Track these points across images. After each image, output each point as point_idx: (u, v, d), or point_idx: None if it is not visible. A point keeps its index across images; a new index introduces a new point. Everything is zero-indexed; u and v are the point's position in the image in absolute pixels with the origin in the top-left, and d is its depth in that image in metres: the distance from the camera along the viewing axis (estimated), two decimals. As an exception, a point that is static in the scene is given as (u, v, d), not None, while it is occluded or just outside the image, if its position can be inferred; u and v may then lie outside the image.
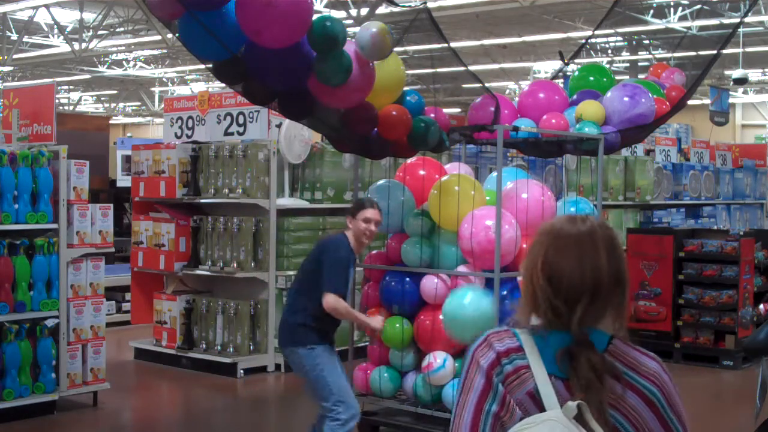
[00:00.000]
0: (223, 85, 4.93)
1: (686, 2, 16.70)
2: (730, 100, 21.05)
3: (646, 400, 1.86)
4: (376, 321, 5.31)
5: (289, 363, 5.18)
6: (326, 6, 15.74)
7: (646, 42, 19.95)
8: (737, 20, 14.03)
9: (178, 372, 8.54)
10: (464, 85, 24.37)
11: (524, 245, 5.74)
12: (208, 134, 8.93)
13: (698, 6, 16.59)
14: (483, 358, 1.89)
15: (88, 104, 35.15)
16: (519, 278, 5.60)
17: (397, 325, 5.88)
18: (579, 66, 7.97)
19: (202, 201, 8.65)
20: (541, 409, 1.80)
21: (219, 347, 8.40)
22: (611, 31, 17.50)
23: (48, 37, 20.78)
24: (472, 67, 7.46)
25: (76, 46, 18.86)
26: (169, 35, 16.09)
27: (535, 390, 1.83)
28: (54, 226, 6.74)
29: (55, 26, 18.86)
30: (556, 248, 1.89)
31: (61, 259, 6.77)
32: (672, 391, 1.91)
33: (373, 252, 6.33)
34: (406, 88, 5.39)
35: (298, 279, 5.17)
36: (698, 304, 9.04)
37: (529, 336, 1.90)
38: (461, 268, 5.71)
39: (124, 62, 24.57)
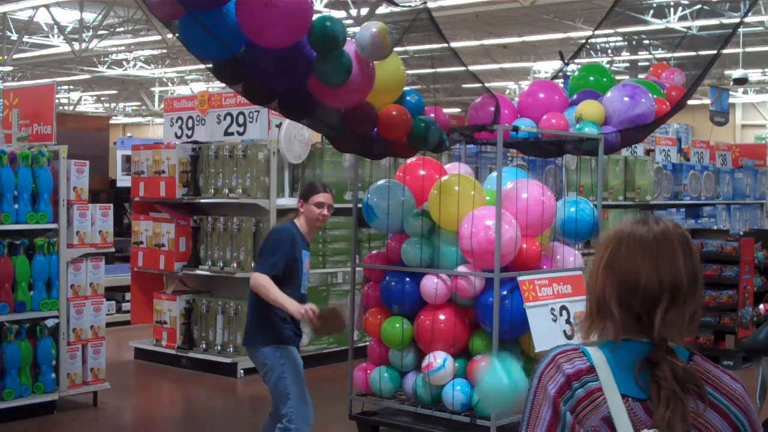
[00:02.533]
0: (223, 85, 4.93)
1: (686, 2, 16.70)
2: (730, 100, 21.04)
3: (731, 424, 1.75)
4: (296, 306, 4.61)
5: (254, 363, 4.97)
6: (326, 6, 15.74)
7: (646, 42, 19.94)
8: (737, 20, 14.03)
9: (178, 372, 8.54)
10: (464, 85, 24.38)
11: (524, 245, 5.74)
12: (208, 134, 8.93)
13: (698, 6, 16.59)
14: (551, 383, 1.76)
15: (88, 104, 35.15)
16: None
17: (397, 325, 5.88)
18: (579, 66, 7.97)
19: (202, 201, 8.65)
20: None
21: (219, 347, 8.40)
22: (611, 31, 17.50)
23: (48, 37, 20.78)
24: (472, 67, 7.46)
25: (76, 46, 18.87)
26: (169, 35, 16.09)
27: (611, 415, 1.70)
28: (54, 226, 6.74)
29: (55, 26, 18.86)
30: (630, 250, 1.79)
31: (61, 259, 6.77)
32: (753, 413, 1.78)
33: (373, 252, 6.33)
34: (406, 88, 5.39)
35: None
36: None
37: (600, 353, 1.77)
38: (461, 268, 5.71)
39: (124, 62, 24.58)
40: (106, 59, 23.90)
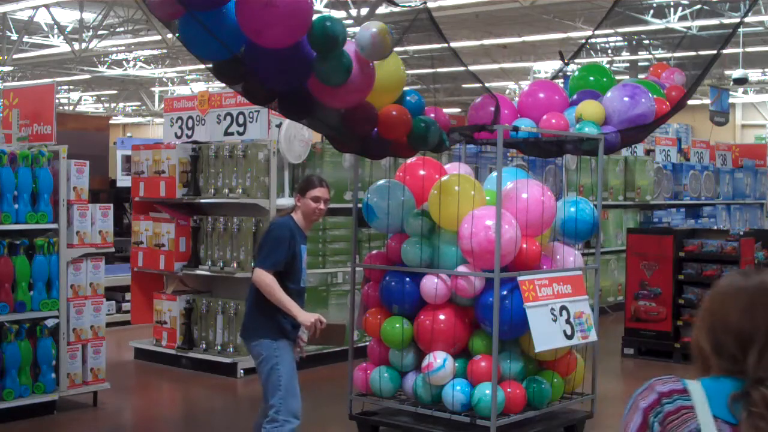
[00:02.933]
0: (223, 85, 4.93)
1: (686, 2, 16.71)
2: (730, 100, 21.05)
3: None
4: (306, 316, 4.73)
5: (250, 354, 4.99)
6: (326, 6, 15.74)
7: (646, 42, 19.95)
8: (737, 20, 14.03)
9: (178, 372, 8.54)
10: (464, 85, 24.39)
11: (524, 245, 5.74)
12: (208, 134, 8.93)
13: (698, 6, 16.60)
14: (643, 401, 1.87)
15: (88, 104, 35.17)
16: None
17: (397, 325, 5.88)
18: (579, 66, 7.97)
19: (202, 201, 8.65)
20: None
21: (219, 347, 8.40)
22: (611, 31, 17.51)
23: (48, 37, 20.80)
24: (472, 67, 7.46)
25: (76, 46, 18.88)
26: (169, 35, 16.09)
27: (698, 429, 1.78)
28: (54, 226, 6.74)
29: (55, 26, 18.87)
30: (726, 298, 1.90)
31: (61, 259, 6.77)
32: None
33: (373, 252, 6.33)
34: (406, 88, 5.39)
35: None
36: (698, 304, 9.00)
37: (697, 383, 1.86)
38: (461, 268, 5.72)
39: (124, 62, 24.59)
40: (106, 59, 23.91)
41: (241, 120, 8.63)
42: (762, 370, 1.81)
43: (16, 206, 6.51)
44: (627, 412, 1.90)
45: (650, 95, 6.64)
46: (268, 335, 4.77)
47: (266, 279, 4.69)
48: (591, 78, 7.03)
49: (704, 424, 1.78)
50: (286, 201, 8.59)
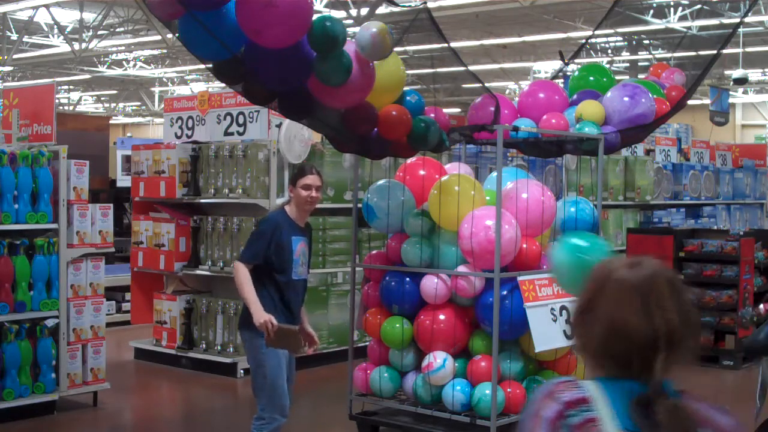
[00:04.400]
0: (223, 85, 4.93)
1: (686, 2, 16.71)
2: (730, 100, 21.05)
3: None
4: (260, 315, 4.58)
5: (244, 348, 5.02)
6: (326, 6, 15.74)
7: (646, 42, 19.95)
8: (737, 20, 14.04)
9: (178, 372, 8.54)
10: (464, 85, 24.39)
11: (524, 245, 5.74)
12: (208, 134, 8.93)
13: (698, 6, 16.59)
14: (546, 411, 1.77)
15: (88, 104, 35.17)
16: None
17: (397, 325, 5.88)
18: (579, 66, 7.97)
19: (202, 201, 8.65)
20: None
21: (219, 347, 8.40)
22: (611, 31, 17.51)
23: (48, 37, 20.79)
24: (472, 67, 7.46)
25: (76, 46, 18.88)
26: (169, 35, 16.09)
27: None
28: (54, 226, 6.74)
29: (55, 26, 18.87)
30: (617, 297, 1.76)
31: (61, 259, 6.77)
32: None
33: (373, 252, 6.33)
34: (406, 88, 5.39)
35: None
36: (698, 304, 9.04)
37: (596, 386, 1.78)
38: (461, 268, 5.71)
39: (124, 62, 24.58)
40: (106, 59, 23.90)
41: (241, 120, 8.63)
42: (658, 374, 1.75)
43: (16, 206, 6.51)
44: (528, 418, 1.79)
45: (650, 95, 6.64)
46: (249, 327, 4.71)
47: (239, 272, 4.69)
48: (591, 78, 7.03)
49: None
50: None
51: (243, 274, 4.69)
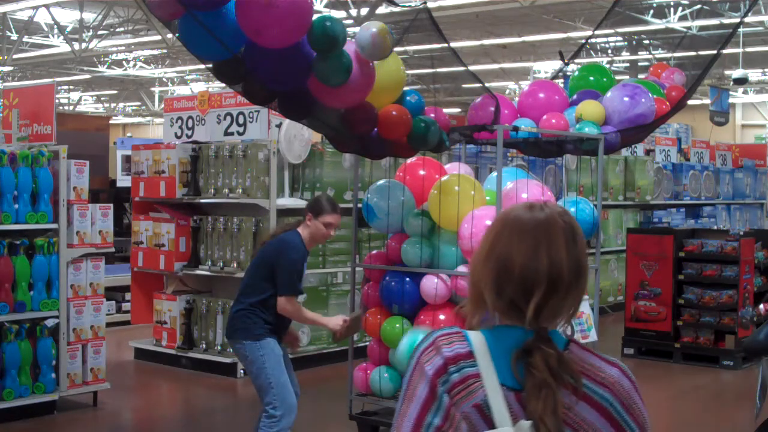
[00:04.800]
0: (223, 85, 4.93)
1: (686, 2, 16.71)
2: (730, 100, 21.07)
3: (601, 410, 1.69)
4: (334, 322, 5.18)
5: (237, 357, 5.22)
6: (326, 6, 15.75)
7: (646, 42, 19.95)
8: (737, 20, 14.04)
9: (178, 372, 8.54)
10: (464, 85, 24.38)
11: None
12: (208, 134, 8.93)
13: (698, 6, 16.60)
14: (428, 364, 1.71)
15: (88, 104, 35.18)
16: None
17: (397, 325, 5.88)
18: (579, 66, 7.97)
19: (202, 201, 8.66)
20: (490, 424, 1.65)
21: (219, 347, 8.40)
22: (611, 31, 17.52)
23: (48, 37, 20.80)
24: (472, 67, 7.46)
25: (76, 46, 18.88)
26: (169, 35, 16.09)
27: (484, 403, 1.66)
28: (54, 226, 6.74)
29: (55, 26, 18.87)
30: (511, 236, 1.73)
31: (61, 259, 6.77)
32: (633, 397, 1.73)
33: (373, 252, 6.33)
34: (406, 88, 5.39)
35: (252, 272, 5.09)
36: (698, 304, 9.04)
37: (481, 338, 1.73)
38: (461, 268, 5.71)
39: (124, 62, 24.59)
40: (106, 59, 23.91)
41: (241, 120, 8.63)
42: (542, 320, 1.69)
43: (16, 206, 6.51)
44: (410, 369, 1.75)
45: (650, 95, 6.64)
46: (250, 336, 4.89)
47: (293, 307, 4.97)
48: (591, 78, 7.03)
49: (492, 396, 1.66)
50: (287, 201, 8.59)
51: (297, 305, 5.03)
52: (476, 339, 1.73)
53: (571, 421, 1.66)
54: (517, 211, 1.77)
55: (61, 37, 19.49)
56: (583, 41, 9.86)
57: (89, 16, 18.98)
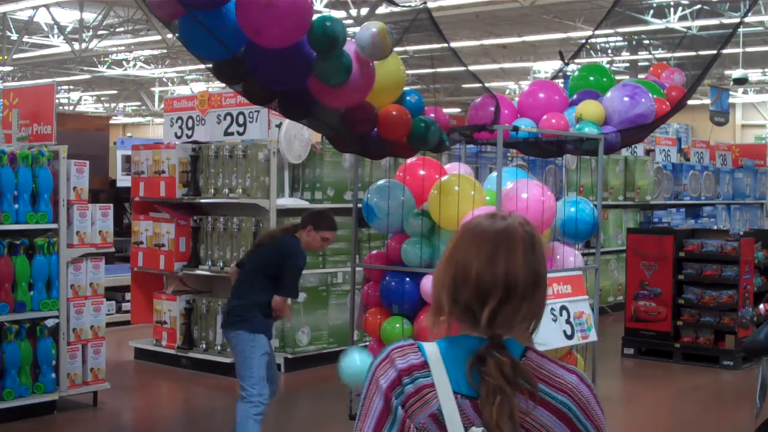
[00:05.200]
0: (223, 85, 4.93)
1: (686, 2, 16.71)
2: (730, 100, 21.07)
3: (560, 416, 1.69)
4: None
5: (228, 344, 5.72)
6: (326, 6, 15.75)
7: (646, 42, 19.95)
8: (737, 20, 14.04)
9: (178, 372, 8.54)
10: (464, 85, 24.38)
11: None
12: (208, 134, 8.93)
13: (698, 6, 16.60)
14: (383, 378, 1.72)
15: (88, 104, 35.17)
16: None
17: (397, 326, 5.88)
18: (579, 66, 7.97)
19: (202, 201, 8.65)
20: None
21: (219, 347, 8.39)
22: (611, 31, 17.52)
23: (48, 37, 20.80)
24: (472, 67, 7.46)
25: (76, 46, 18.88)
26: (169, 35, 16.09)
27: (439, 412, 1.66)
28: (54, 226, 6.73)
29: (55, 26, 18.87)
30: (470, 243, 1.76)
31: (61, 259, 6.77)
32: (591, 402, 1.72)
33: (373, 252, 6.33)
34: (406, 88, 5.39)
35: (253, 269, 5.46)
36: (698, 304, 9.04)
37: (435, 348, 1.74)
38: (461, 268, 5.71)
39: (124, 62, 24.59)
40: (106, 59, 23.91)
41: (241, 120, 8.63)
42: (497, 327, 1.71)
43: (16, 206, 6.51)
44: (366, 384, 1.75)
45: (650, 95, 6.64)
46: (248, 328, 5.29)
47: (286, 305, 5.41)
48: (591, 78, 7.03)
49: (445, 404, 1.67)
50: (287, 201, 8.60)
51: (288, 307, 5.46)
52: (430, 349, 1.74)
53: (528, 425, 1.67)
54: (479, 220, 1.80)
55: (61, 37, 19.49)
56: (583, 41, 9.86)
57: (89, 16, 18.98)
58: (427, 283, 5.79)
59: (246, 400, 5.25)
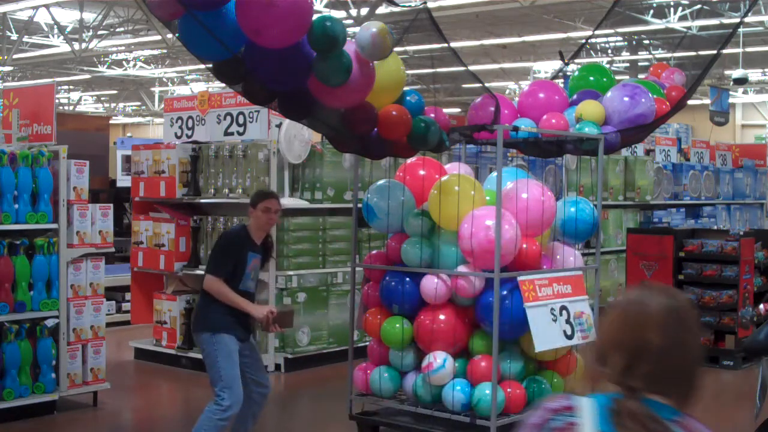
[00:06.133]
0: (223, 85, 4.94)
1: (686, 2, 16.72)
2: (730, 100, 21.07)
3: None
4: (259, 310, 5.27)
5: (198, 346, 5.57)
6: (326, 6, 15.75)
7: (646, 42, 19.96)
8: (737, 20, 14.05)
9: (178, 372, 8.54)
10: (464, 85, 24.39)
11: (524, 245, 5.74)
12: (208, 134, 8.93)
13: (698, 6, 16.61)
14: (532, 417, 1.93)
15: (88, 104, 35.18)
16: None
17: (397, 325, 5.88)
18: (579, 66, 7.97)
19: (202, 201, 8.66)
20: None
21: (219, 347, 8.38)
22: (611, 31, 17.53)
23: (48, 37, 20.80)
24: (472, 67, 7.46)
25: (76, 46, 18.88)
26: (169, 35, 16.10)
27: None
28: (54, 226, 6.74)
29: (55, 26, 18.87)
30: (625, 318, 1.94)
31: (61, 259, 6.77)
32: None
33: (373, 252, 6.33)
34: (406, 88, 5.39)
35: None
36: (698, 304, 9.03)
37: (586, 399, 1.92)
38: (461, 268, 5.71)
39: (124, 62, 24.59)
40: (106, 59, 23.91)
41: (241, 120, 8.63)
42: (632, 380, 1.87)
43: (16, 206, 6.51)
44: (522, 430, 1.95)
45: (650, 95, 6.64)
46: (207, 329, 5.18)
47: (217, 286, 5.16)
48: (591, 78, 7.02)
49: None
50: (287, 201, 8.59)
51: (221, 285, 5.17)
52: (581, 398, 1.93)
53: None
54: (637, 296, 1.98)
55: (61, 37, 19.49)
56: (583, 41, 9.86)
57: (89, 16, 18.98)
58: (426, 283, 5.79)
59: (215, 402, 5.14)
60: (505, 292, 5.59)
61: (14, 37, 19.74)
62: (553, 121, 6.48)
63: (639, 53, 20.89)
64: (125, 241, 11.46)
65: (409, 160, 6.22)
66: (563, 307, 5.78)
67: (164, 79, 27.90)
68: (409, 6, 6.93)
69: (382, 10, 14.91)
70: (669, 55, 17.19)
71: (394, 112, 5.19)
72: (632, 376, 1.87)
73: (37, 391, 6.64)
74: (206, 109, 8.98)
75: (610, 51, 21.65)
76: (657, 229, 11.37)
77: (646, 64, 20.03)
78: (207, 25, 4.19)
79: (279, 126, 8.45)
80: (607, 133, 6.45)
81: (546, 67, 22.83)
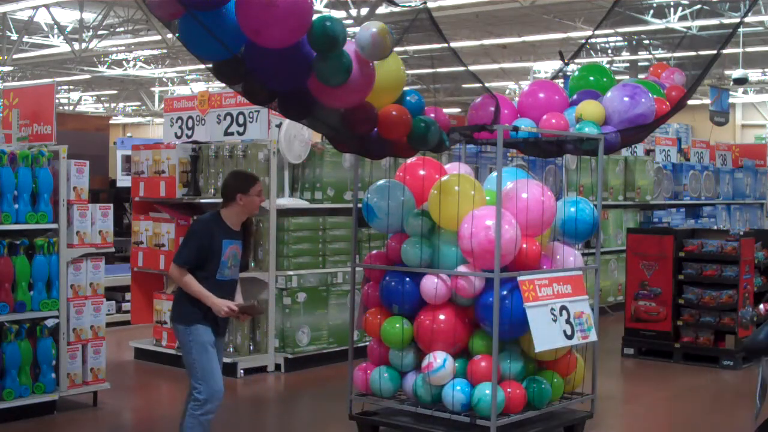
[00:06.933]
0: (223, 85, 4.94)
1: (686, 2, 16.72)
2: (730, 100, 21.08)
3: None
4: (219, 304, 5.03)
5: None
6: (326, 6, 15.75)
7: (646, 42, 19.97)
8: (737, 20, 14.06)
9: (178, 372, 8.52)
10: (464, 85, 24.41)
11: (524, 245, 5.74)
12: (208, 134, 8.93)
13: (698, 6, 16.61)
14: None
15: (88, 104, 35.19)
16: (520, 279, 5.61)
17: (397, 325, 5.88)
18: (579, 66, 7.97)
19: (202, 201, 8.65)
20: None
21: (219, 347, 8.38)
22: (611, 31, 17.54)
23: (48, 37, 20.82)
24: (472, 67, 7.47)
25: (76, 46, 18.89)
26: (169, 35, 16.11)
27: None
28: (54, 226, 6.73)
29: (55, 26, 18.89)
30: None
31: (61, 259, 6.77)
32: None
33: (373, 252, 6.34)
34: (406, 88, 5.39)
35: None
36: (698, 304, 9.03)
37: None
38: (461, 268, 5.72)
39: (124, 62, 24.60)
40: (106, 59, 23.92)
41: (241, 120, 8.63)
42: None
43: (16, 206, 6.51)
44: None
45: (650, 95, 6.64)
46: (182, 321, 5.11)
47: (177, 274, 5.07)
48: (591, 78, 7.03)
49: None
50: (287, 201, 8.60)
51: (183, 274, 5.06)
52: None
53: None
54: None
55: (61, 37, 19.50)
56: (583, 41, 9.87)
57: (89, 16, 18.99)
58: (426, 283, 5.79)
59: (193, 397, 5.06)
60: (505, 292, 5.59)
61: (14, 37, 19.75)
62: (553, 121, 6.49)
63: (639, 53, 20.90)
64: (125, 241, 11.46)
65: (409, 160, 6.22)
66: (563, 307, 5.78)
67: (164, 79, 27.91)
68: (409, 6, 6.94)
69: (382, 10, 14.92)
70: (669, 55, 17.21)
71: (394, 112, 5.19)
72: None
73: (37, 391, 6.64)
74: (206, 109, 8.98)
75: (610, 51, 21.67)
76: (657, 229, 11.36)
77: (646, 64, 20.05)
78: (207, 25, 4.20)
79: (279, 126, 8.45)
80: (607, 133, 6.46)
81: (546, 67, 22.84)
